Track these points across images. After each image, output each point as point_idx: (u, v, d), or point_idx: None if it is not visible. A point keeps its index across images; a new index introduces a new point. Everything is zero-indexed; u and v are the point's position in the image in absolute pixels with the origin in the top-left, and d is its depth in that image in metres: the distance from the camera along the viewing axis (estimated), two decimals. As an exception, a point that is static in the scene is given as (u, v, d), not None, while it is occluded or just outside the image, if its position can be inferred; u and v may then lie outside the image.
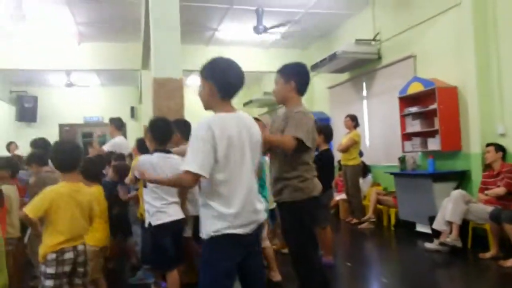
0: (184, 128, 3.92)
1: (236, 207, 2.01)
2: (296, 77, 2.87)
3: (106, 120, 13.17)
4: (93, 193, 2.95)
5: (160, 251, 3.09)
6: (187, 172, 1.95)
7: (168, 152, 3.25)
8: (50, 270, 2.58)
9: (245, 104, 12.95)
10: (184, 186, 2.07)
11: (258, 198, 2.14)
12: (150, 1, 4.83)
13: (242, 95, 13.97)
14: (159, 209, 3.10)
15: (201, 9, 7.55)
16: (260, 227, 2.15)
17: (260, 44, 9.62)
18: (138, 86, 12.27)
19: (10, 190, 3.66)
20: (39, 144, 4.96)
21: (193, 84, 12.68)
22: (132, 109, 13.82)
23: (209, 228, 2.02)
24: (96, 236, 3.32)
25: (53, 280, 2.58)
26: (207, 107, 2.17)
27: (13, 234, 3.61)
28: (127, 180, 3.74)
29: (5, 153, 10.01)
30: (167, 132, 3.28)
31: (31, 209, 2.57)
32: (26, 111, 13.01)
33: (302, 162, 2.71)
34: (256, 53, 10.06)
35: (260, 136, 2.24)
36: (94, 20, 7.93)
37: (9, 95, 12.94)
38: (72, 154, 2.77)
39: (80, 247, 2.70)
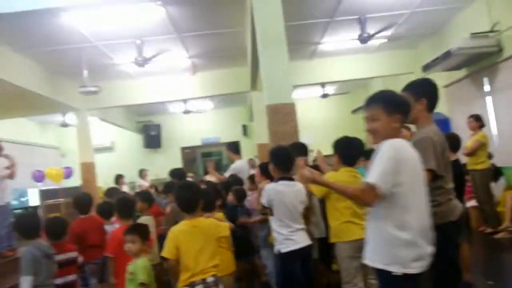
0: (302, 151, 4.01)
1: (417, 235, 2.00)
2: (426, 93, 2.71)
3: (222, 140, 14.03)
4: (213, 223, 3.09)
5: (290, 277, 3.19)
6: (369, 185, 1.97)
7: (292, 179, 3.36)
8: None
9: (353, 112, 12.74)
10: (363, 200, 2.04)
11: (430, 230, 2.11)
12: (257, 27, 5.00)
13: (348, 103, 13.90)
14: (286, 236, 3.20)
15: (303, 26, 7.66)
16: None
17: (365, 50, 9.41)
18: (248, 105, 12.79)
19: (148, 221, 4.06)
20: (177, 173, 5.44)
21: (297, 99, 12.87)
22: (244, 127, 14.42)
23: (389, 259, 2.01)
24: (223, 267, 3.36)
25: None
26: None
27: (154, 260, 4.00)
28: (257, 207, 3.88)
29: (137, 179, 11.15)
30: (289, 160, 3.37)
31: (166, 252, 2.84)
32: (152, 138, 14.35)
33: (434, 187, 2.55)
34: (362, 60, 9.87)
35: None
36: (205, 51, 8.50)
37: (136, 125, 14.40)
38: (193, 199, 2.97)
39: (210, 279, 2.83)
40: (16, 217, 3.79)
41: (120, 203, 3.82)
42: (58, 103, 9.04)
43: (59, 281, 3.41)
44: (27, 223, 3.40)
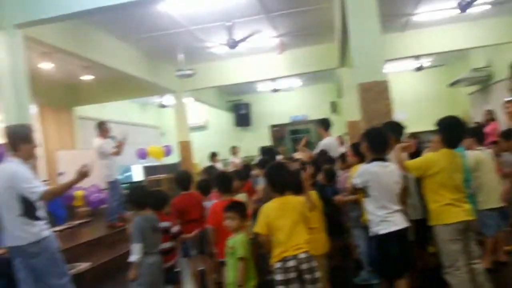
0: (397, 130, 3.90)
1: None
2: None
3: (310, 117, 14.03)
4: (302, 202, 3.13)
5: (387, 260, 3.15)
6: None
7: (385, 160, 3.31)
8: (278, 277, 2.91)
9: (451, 85, 11.96)
10: None
11: None
12: (347, 1, 4.85)
13: (445, 75, 13.08)
14: (383, 218, 3.15)
15: (395, -2, 7.33)
16: None
17: (464, 18, 8.72)
18: (337, 82, 12.58)
19: (244, 198, 4.25)
20: (267, 151, 5.60)
21: (390, 73, 12.36)
22: (333, 104, 14.24)
23: None
24: (316, 247, 3.38)
25: (282, 286, 2.90)
26: None
27: (249, 235, 4.19)
28: (347, 188, 3.89)
29: (229, 156, 11.61)
30: (384, 141, 3.31)
31: (258, 228, 2.98)
32: (242, 117, 14.82)
33: None
34: (460, 29, 9.18)
35: None
36: (293, 29, 8.49)
37: (227, 105, 14.91)
38: (283, 180, 3.07)
39: (302, 255, 2.91)
40: (129, 189, 4.16)
41: (220, 179, 4.04)
42: (157, 86, 9.67)
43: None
44: (137, 196, 3.74)
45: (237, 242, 3.21)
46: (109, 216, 7.09)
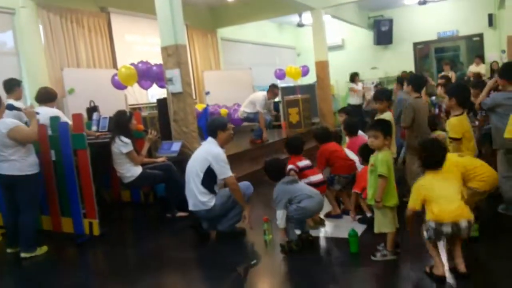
0: None
1: None
2: None
3: (461, 33, 12.63)
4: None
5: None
6: None
7: None
8: None
9: None
10: None
11: None
12: None
13: None
14: None
15: None
16: None
17: None
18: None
19: (388, 117, 4.10)
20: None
21: None
22: (490, 16, 12.49)
23: None
24: None
25: None
26: None
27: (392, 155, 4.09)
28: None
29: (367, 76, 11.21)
30: None
31: None
32: (383, 34, 13.92)
33: None
34: None
35: None
36: None
37: (367, 21, 14.11)
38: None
39: None
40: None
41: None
42: (295, 3, 9.51)
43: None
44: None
45: (378, 159, 3.18)
46: (254, 133, 7.83)
